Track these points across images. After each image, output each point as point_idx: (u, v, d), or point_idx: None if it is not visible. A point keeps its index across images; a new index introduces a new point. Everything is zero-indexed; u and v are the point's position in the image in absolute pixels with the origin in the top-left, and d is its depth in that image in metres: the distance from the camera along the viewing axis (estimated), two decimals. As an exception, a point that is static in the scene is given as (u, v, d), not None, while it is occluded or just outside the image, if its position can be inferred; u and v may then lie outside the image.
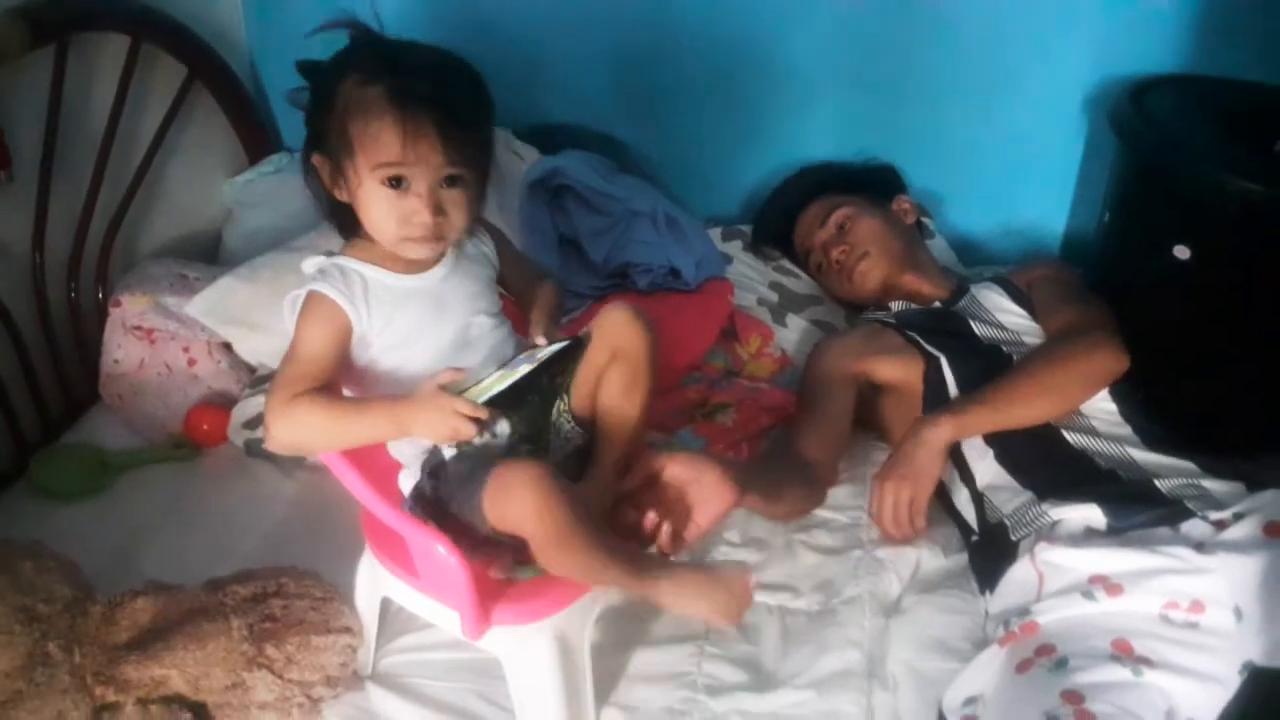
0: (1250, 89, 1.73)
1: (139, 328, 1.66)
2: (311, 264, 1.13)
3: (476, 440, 1.05)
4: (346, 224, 1.13)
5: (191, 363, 1.67)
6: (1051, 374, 1.46)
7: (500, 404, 1.06)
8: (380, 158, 1.03)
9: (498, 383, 1.09)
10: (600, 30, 1.98)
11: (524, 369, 1.10)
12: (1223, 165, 1.52)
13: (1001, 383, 1.47)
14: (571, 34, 1.98)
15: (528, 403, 1.12)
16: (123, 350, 1.66)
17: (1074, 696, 1.04)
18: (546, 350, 1.14)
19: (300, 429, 1.07)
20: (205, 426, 1.63)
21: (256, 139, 2.03)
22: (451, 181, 1.07)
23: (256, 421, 1.60)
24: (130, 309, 1.66)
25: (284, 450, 1.10)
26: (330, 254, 1.14)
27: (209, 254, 1.94)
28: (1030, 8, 1.86)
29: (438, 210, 1.06)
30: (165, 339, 1.66)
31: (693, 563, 1.15)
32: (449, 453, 1.13)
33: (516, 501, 1.04)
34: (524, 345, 1.19)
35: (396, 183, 1.05)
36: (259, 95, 2.08)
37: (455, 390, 1.07)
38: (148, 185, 1.80)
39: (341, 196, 1.09)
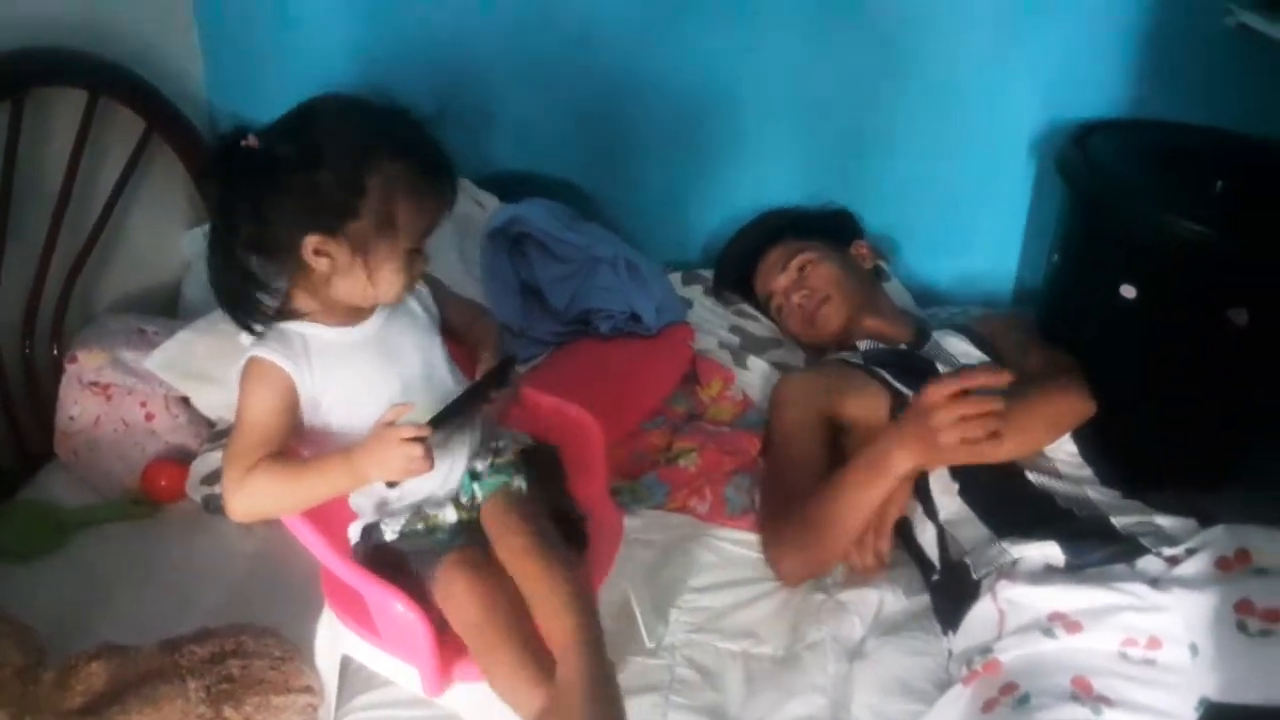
0: (1191, 131, 1.79)
1: (95, 383, 1.64)
2: (247, 338, 1.11)
3: (430, 467, 1.04)
4: (266, 308, 1.09)
5: (149, 418, 1.66)
6: (1019, 415, 1.46)
7: (443, 422, 1.06)
8: (422, 229, 1.07)
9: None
10: (560, 80, 2.01)
11: (459, 390, 1.13)
12: (1165, 206, 1.57)
13: None
14: (531, 83, 2.01)
15: (468, 418, 1.14)
16: (79, 406, 1.64)
17: None
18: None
19: (259, 499, 1.06)
20: (163, 482, 1.62)
21: (216, 191, 2.03)
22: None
23: (215, 477, 1.59)
24: (86, 365, 1.64)
25: (246, 520, 1.09)
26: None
27: (168, 307, 1.93)
28: (979, 56, 1.91)
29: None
30: (122, 394, 1.65)
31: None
32: (390, 535, 1.15)
33: (455, 601, 1.09)
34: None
35: (417, 248, 1.09)
36: (218, 147, 2.08)
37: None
38: (105, 239, 1.79)
39: (325, 267, 1.05)
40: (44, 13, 1.64)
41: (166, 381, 1.64)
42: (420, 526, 1.15)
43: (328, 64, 1.97)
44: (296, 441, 1.12)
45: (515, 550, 1.13)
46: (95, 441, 1.63)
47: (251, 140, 1.01)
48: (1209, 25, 1.74)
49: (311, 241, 1.03)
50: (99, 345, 1.66)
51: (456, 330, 1.27)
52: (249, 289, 1.07)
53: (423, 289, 1.23)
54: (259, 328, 1.09)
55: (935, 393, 1.33)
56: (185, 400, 1.68)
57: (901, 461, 1.36)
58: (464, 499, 1.18)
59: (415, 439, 1.03)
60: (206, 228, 1.93)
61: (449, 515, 1.16)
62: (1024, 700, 1.11)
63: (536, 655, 1.08)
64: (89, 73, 1.71)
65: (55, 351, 1.70)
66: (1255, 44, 1.66)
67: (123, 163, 1.81)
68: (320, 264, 1.05)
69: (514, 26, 1.95)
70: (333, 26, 1.95)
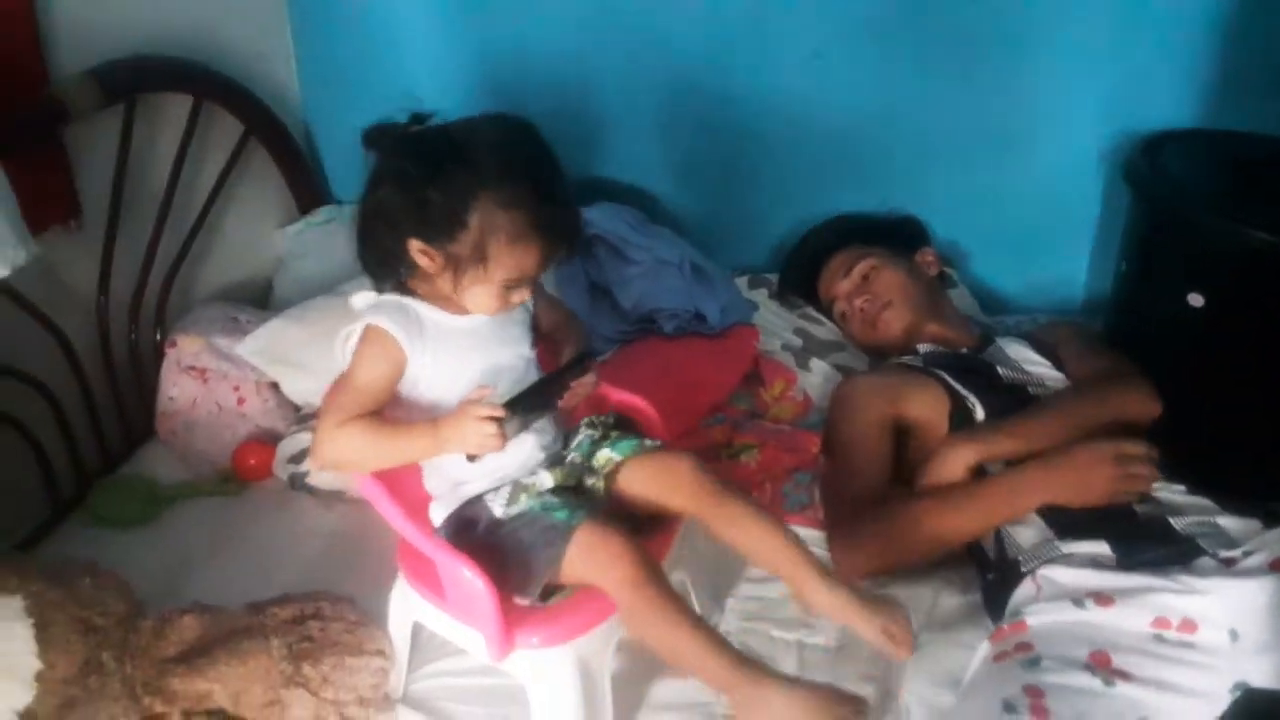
0: (1260, 141, 1.78)
1: (193, 367, 1.75)
2: (362, 299, 1.20)
3: (501, 445, 1.12)
4: (397, 282, 1.19)
5: (241, 401, 1.76)
6: (1084, 412, 1.50)
7: (519, 407, 1.13)
8: (515, 274, 1.13)
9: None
10: (634, 89, 2.06)
11: (534, 378, 1.22)
12: (1233, 215, 1.57)
13: (1031, 414, 1.51)
14: (605, 93, 2.06)
15: (544, 403, 1.20)
16: (177, 389, 1.75)
17: (1035, 691, 1.09)
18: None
19: (346, 451, 1.16)
20: (252, 461, 1.71)
21: (307, 192, 2.14)
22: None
23: (301, 457, 1.68)
24: (185, 350, 1.75)
25: (329, 468, 1.19)
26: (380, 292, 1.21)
27: (260, 300, 2.04)
28: (1047, 65, 1.92)
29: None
30: (217, 378, 1.75)
31: (806, 681, 1.14)
32: (499, 511, 1.21)
33: (607, 556, 1.12)
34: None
35: (517, 283, 1.15)
36: (311, 151, 2.19)
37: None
38: (205, 234, 1.90)
39: (431, 270, 1.14)
40: (154, 24, 1.76)
41: (258, 367, 1.74)
42: (525, 501, 1.21)
43: (417, 73, 2.05)
44: (387, 408, 1.20)
45: (707, 496, 1.23)
46: (191, 422, 1.74)
47: (410, 128, 1.12)
48: (1276, 35, 1.73)
49: (415, 244, 1.13)
50: (197, 332, 1.77)
51: (543, 327, 1.33)
52: (378, 252, 1.17)
53: None
54: (385, 290, 1.19)
55: (1115, 446, 1.38)
56: (274, 385, 1.77)
57: (1038, 498, 1.38)
58: (591, 462, 1.27)
59: (492, 418, 1.10)
60: (298, 225, 2.08)
61: (545, 481, 1.23)
62: (1034, 661, 1.13)
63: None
64: (194, 80, 1.83)
65: (158, 337, 1.81)
66: (1328, 54, 1.66)
67: (222, 164, 1.92)
68: (422, 261, 1.13)
69: (584, 44, 2.01)
70: (422, 36, 2.03)
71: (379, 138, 1.14)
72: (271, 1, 2.05)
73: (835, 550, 1.49)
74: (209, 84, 1.86)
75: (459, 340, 1.19)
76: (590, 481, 1.28)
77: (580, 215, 1.20)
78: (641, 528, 1.27)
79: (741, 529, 1.24)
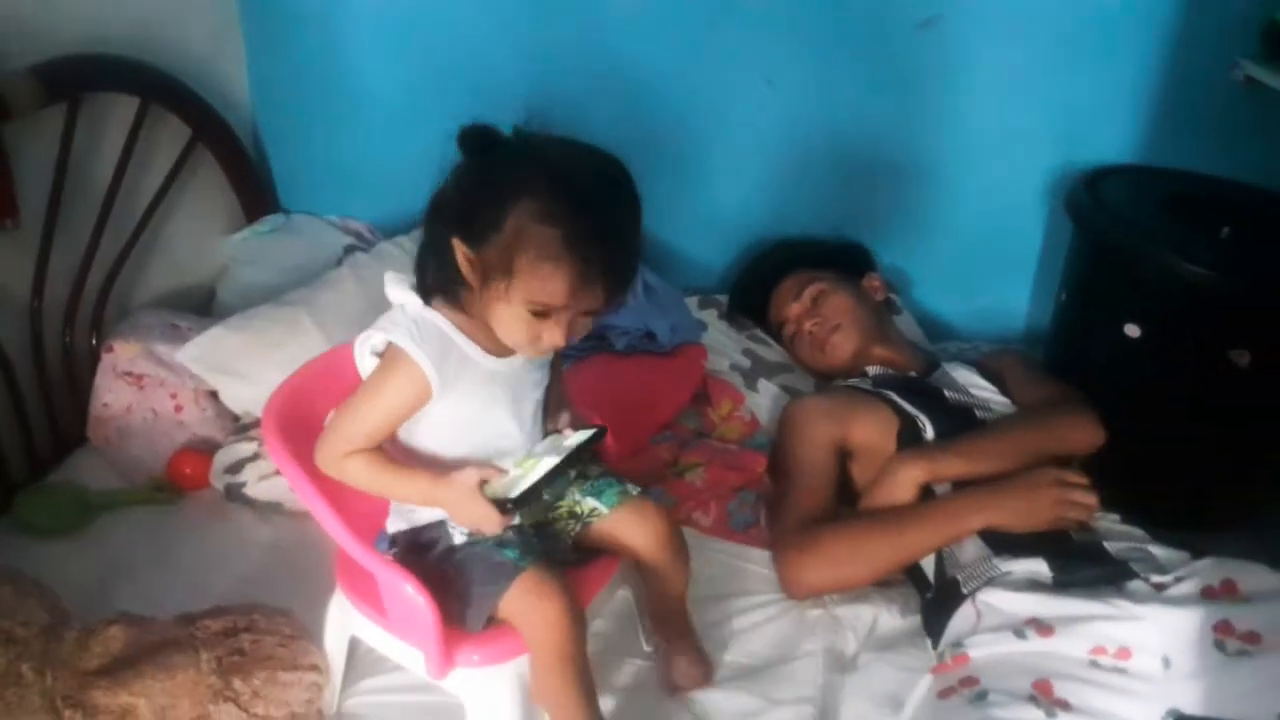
0: (1198, 179, 1.83)
1: (129, 373, 1.71)
2: (398, 292, 1.13)
3: (498, 530, 1.12)
4: (444, 289, 1.11)
5: (178, 409, 1.72)
6: (1030, 438, 1.54)
7: (528, 500, 1.11)
8: (538, 297, 1.02)
9: (525, 474, 1.14)
10: (584, 110, 2.05)
11: (550, 461, 1.14)
12: (1171, 249, 1.61)
13: (980, 436, 1.55)
14: (556, 112, 2.06)
15: (554, 486, 1.17)
16: (113, 394, 1.71)
17: None
18: (572, 439, 1.19)
19: (347, 479, 1.13)
20: (188, 471, 1.68)
21: (255, 199, 2.11)
22: (590, 312, 1.07)
23: (238, 467, 1.65)
24: (122, 355, 1.71)
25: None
26: (415, 288, 1.13)
27: (202, 307, 2.00)
28: (995, 99, 1.96)
29: (570, 333, 1.07)
30: (154, 385, 1.71)
31: None
32: (459, 538, 1.19)
33: (545, 606, 1.11)
34: (547, 431, 1.24)
35: (544, 312, 1.04)
36: (259, 158, 2.16)
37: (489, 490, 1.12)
38: (147, 239, 1.87)
39: (473, 281, 1.07)
40: (101, 22, 1.72)
41: (197, 374, 1.71)
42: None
43: (367, 78, 2.04)
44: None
45: (657, 543, 1.25)
46: (126, 429, 1.70)
47: (499, 133, 1.06)
48: (1218, 77, 1.80)
49: (457, 243, 1.06)
50: (135, 337, 1.73)
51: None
52: (429, 248, 1.11)
53: None
54: (429, 292, 1.12)
55: (1058, 472, 1.43)
56: (213, 394, 1.74)
57: (981, 519, 1.41)
58: (575, 507, 1.25)
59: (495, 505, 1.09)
60: (244, 233, 2.04)
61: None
62: (981, 696, 1.15)
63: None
64: (140, 81, 1.79)
65: (94, 341, 1.76)
66: (1262, 96, 1.71)
67: (168, 168, 1.89)
68: (462, 266, 1.06)
69: (538, 55, 2.00)
70: (373, 41, 2.02)
71: (466, 137, 1.07)
72: (223, 3, 2.02)
73: (782, 569, 1.50)
74: (156, 86, 1.82)
75: (490, 383, 1.14)
76: (562, 525, 1.26)
77: (636, 262, 1.08)
78: (586, 555, 1.27)
79: (665, 585, 1.29)
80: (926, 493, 1.50)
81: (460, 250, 1.06)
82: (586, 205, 1.02)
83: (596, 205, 1.03)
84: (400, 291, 1.14)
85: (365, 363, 1.16)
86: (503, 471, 1.14)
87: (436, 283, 1.12)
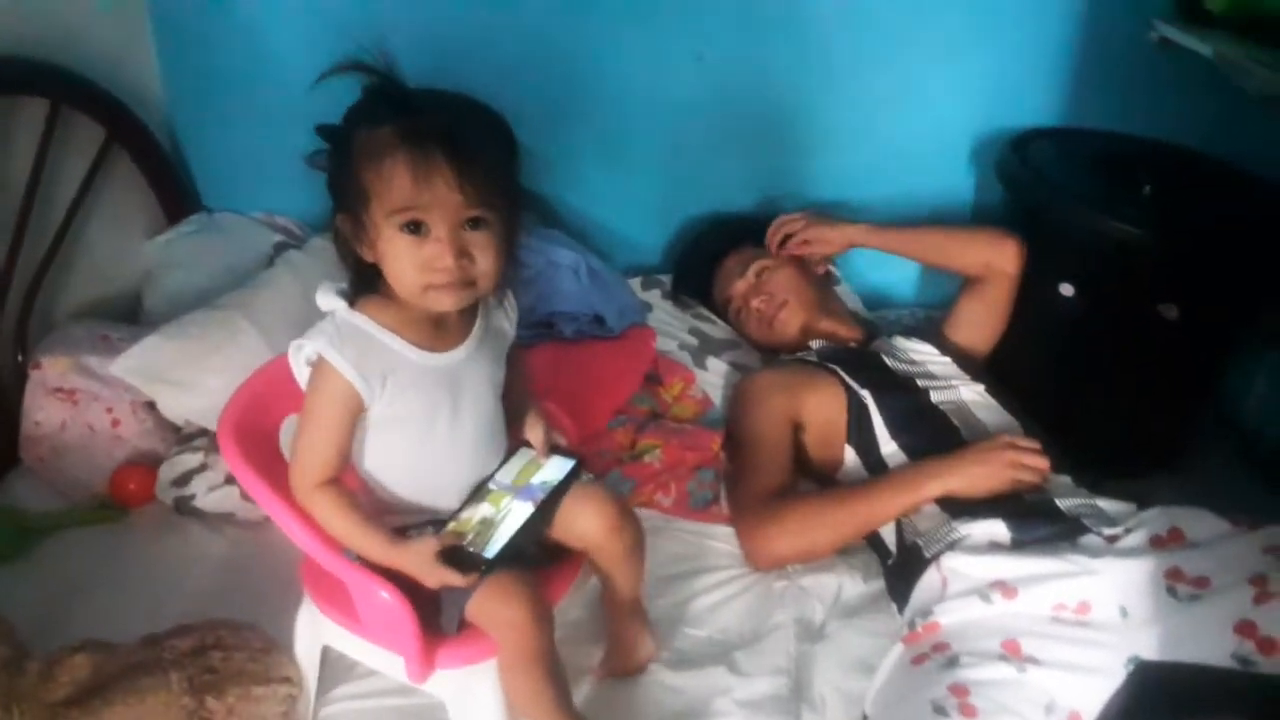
0: (1122, 139, 1.90)
1: (60, 389, 1.64)
2: (327, 300, 1.10)
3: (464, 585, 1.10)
4: (369, 286, 1.09)
5: (115, 423, 1.66)
6: (955, 237, 1.81)
7: (505, 557, 1.10)
8: (395, 202, 0.99)
9: (498, 516, 1.13)
10: (518, 90, 2.03)
11: (525, 510, 1.13)
12: (1098, 209, 1.67)
13: (908, 227, 1.83)
14: (489, 93, 2.03)
15: (531, 532, 1.14)
16: (44, 412, 1.64)
17: (960, 689, 1.14)
18: (547, 475, 1.18)
19: (314, 515, 1.11)
20: (132, 486, 1.62)
21: (175, 200, 2.04)
22: (475, 224, 1.02)
23: (185, 479, 1.60)
24: (51, 371, 1.64)
25: None
26: (345, 293, 1.10)
27: (129, 315, 1.93)
28: (919, 67, 2.00)
29: (461, 253, 1.02)
30: (88, 400, 1.65)
31: None
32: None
33: (510, 610, 1.09)
34: (514, 443, 1.22)
35: (415, 228, 1.01)
36: (177, 156, 2.09)
37: (455, 528, 1.11)
38: (67, 247, 1.79)
39: (367, 255, 1.05)
40: (4, 23, 1.64)
41: (133, 386, 1.65)
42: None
43: (284, 67, 1.98)
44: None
45: (607, 530, 1.21)
46: (61, 447, 1.63)
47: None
48: (1135, 39, 1.85)
49: (339, 220, 1.06)
50: (63, 351, 1.66)
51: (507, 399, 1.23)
52: (351, 266, 1.09)
53: (511, 312, 1.21)
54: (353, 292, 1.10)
55: (1010, 438, 1.47)
56: (151, 405, 1.68)
57: (939, 486, 1.44)
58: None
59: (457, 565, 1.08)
60: (167, 235, 1.97)
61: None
62: (953, 660, 1.19)
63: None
64: (49, 82, 1.72)
65: (19, 358, 1.69)
66: (1177, 56, 1.77)
67: (84, 171, 1.81)
68: (347, 234, 1.05)
69: (471, 36, 1.97)
70: (288, 34, 1.96)
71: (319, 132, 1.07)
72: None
73: (746, 541, 1.53)
74: (66, 86, 1.75)
75: (424, 380, 1.11)
76: None
77: (496, 167, 1.02)
78: (555, 553, 1.26)
79: (617, 572, 1.26)
80: (877, 464, 1.55)
81: (339, 224, 1.05)
82: (413, 105, 1.01)
83: (423, 105, 1.02)
84: (328, 299, 1.11)
85: (301, 374, 1.12)
86: (461, 536, 1.11)
87: (357, 280, 1.09)
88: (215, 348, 1.65)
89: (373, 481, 1.16)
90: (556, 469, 1.20)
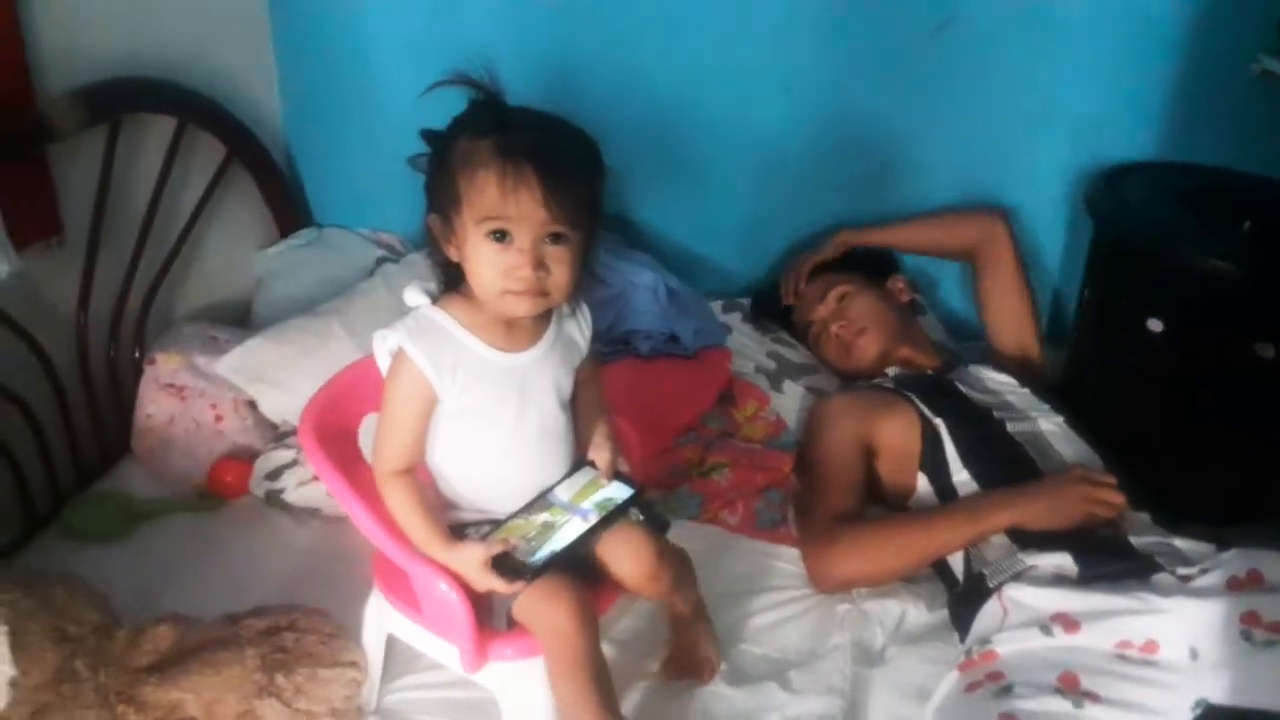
0: (1218, 173, 1.84)
1: (171, 385, 1.76)
2: (414, 297, 1.17)
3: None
4: (453, 282, 1.17)
5: (219, 419, 1.77)
6: (931, 222, 1.97)
7: (550, 566, 1.13)
8: (483, 210, 1.06)
9: (552, 526, 1.16)
10: (612, 115, 2.09)
11: (579, 526, 1.16)
12: (1192, 244, 1.62)
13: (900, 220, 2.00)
14: (583, 119, 2.10)
15: (580, 547, 1.17)
16: (155, 405, 1.76)
17: (1010, 718, 1.10)
18: (606, 495, 1.20)
19: (388, 502, 1.17)
20: (228, 479, 1.72)
21: (288, 214, 2.16)
22: (556, 238, 1.08)
23: (277, 474, 1.69)
24: (164, 367, 1.77)
25: None
26: (430, 292, 1.17)
27: (239, 320, 2.04)
28: (1013, 99, 1.98)
29: (539, 265, 1.08)
30: (195, 396, 1.76)
31: None
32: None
33: (554, 613, 1.12)
34: (579, 460, 1.25)
35: (500, 236, 1.07)
36: (291, 174, 2.21)
37: (506, 532, 1.15)
38: (185, 254, 1.92)
39: (452, 255, 1.12)
40: (140, 46, 1.78)
41: (235, 385, 1.75)
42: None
43: (395, 92, 2.08)
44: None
45: (641, 577, 1.21)
46: (169, 439, 1.75)
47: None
48: (1236, 72, 1.81)
49: (430, 220, 1.13)
50: (176, 349, 1.78)
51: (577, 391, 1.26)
52: (439, 262, 1.16)
53: (586, 326, 1.24)
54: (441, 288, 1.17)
55: (1084, 470, 1.47)
56: (252, 403, 1.78)
57: (1008, 517, 1.43)
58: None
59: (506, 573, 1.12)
60: (279, 247, 2.10)
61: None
62: (1007, 689, 1.17)
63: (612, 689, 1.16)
64: (177, 102, 1.85)
65: (137, 354, 1.81)
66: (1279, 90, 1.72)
67: (204, 185, 1.94)
68: (438, 235, 1.12)
69: (569, 62, 2.03)
70: (398, 60, 2.06)
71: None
72: (255, 24, 2.08)
73: (810, 562, 1.53)
74: (192, 106, 1.88)
75: (494, 377, 1.15)
76: None
77: (584, 187, 1.09)
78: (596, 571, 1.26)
79: (667, 603, 1.32)
80: (948, 492, 1.53)
81: (431, 223, 1.12)
82: (511, 121, 1.08)
83: (520, 121, 1.09)
84: (414, 295, 1.17)
85: (384, 364, 1.19)
86: (512, 543, 1.14)
87: (443, 277, 1.17)
88: (311, 351, 1.74)
89: (439, 475, 1.22)
90: (615, 493, 1.22)
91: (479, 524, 1.21)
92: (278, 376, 1.73)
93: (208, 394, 1.77)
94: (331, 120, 2.16)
